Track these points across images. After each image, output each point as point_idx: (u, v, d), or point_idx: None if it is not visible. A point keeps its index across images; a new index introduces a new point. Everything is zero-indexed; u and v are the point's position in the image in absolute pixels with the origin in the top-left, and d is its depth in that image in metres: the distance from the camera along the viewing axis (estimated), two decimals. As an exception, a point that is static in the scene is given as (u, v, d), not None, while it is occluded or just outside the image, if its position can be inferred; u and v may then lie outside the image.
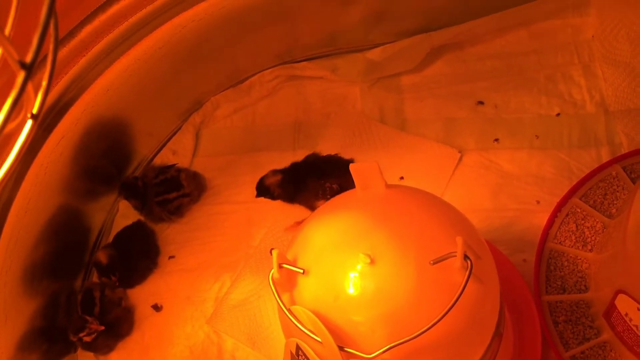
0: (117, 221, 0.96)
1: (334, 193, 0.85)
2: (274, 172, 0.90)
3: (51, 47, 0.26)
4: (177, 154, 1.01)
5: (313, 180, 0.88)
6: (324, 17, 0.98)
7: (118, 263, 0.89)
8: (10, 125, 0.23)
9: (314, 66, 1.03)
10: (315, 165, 0.90)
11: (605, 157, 0.87)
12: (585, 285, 0.77)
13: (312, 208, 0.88)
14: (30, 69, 0.22)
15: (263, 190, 0.90)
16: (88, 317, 0.83)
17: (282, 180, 0.88)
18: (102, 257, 0.89)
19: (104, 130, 0.90)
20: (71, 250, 0.92)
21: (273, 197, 0.90)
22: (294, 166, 0.91)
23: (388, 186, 0.61)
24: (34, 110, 0.25)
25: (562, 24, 0.98)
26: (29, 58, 0.23)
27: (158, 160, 1.00)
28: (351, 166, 0.59)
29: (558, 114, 0.93)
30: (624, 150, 0.86)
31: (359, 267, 0.55)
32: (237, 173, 0.98)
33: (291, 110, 1.03)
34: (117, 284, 0.88)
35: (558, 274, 0.79)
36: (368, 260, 0.54)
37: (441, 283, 0.54)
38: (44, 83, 0.25)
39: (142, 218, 0.94)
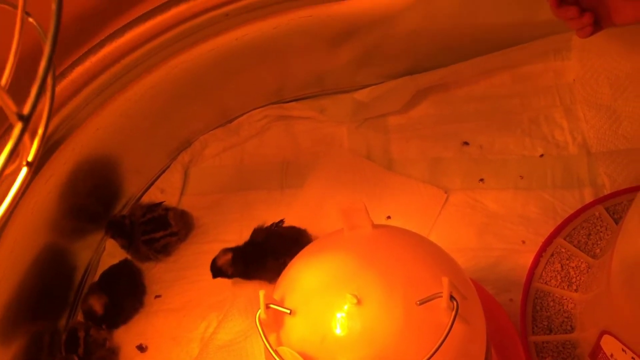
0: (104, 260, 0.95)
1: None
2: (224, 251, 0.88)
3: (48, 98, 0.27)
4: (165, 192, 1.01)
5: (271, 260, 0.86)
6: (312, 59, 1.00)
7: (111, 311, 0.88)
8: (6, 172, 0.23)
9: (302, 106, 1.05)
10: (271, 243, 0.88)
11: (589, 198, 0.88)
12: (571, 326, 0.78)
13: (270, 283, 0.88)
14: (28, 121, 0.23)
15: (216, 271, 0.88)
16: (72, 357, 0.82)
17: (233, 259, 0.87)
18: (96, 305, 0.87)
19: (93, 169, 0.90)
20: (56, 289, 0.91)
21: (228, 276, 0.88)
22: (249, 244, 0.89)
23: (375, 226, 0.62)
24: (29, 158, 0.26)
25: (544, 67, 1.01)
26: (26, 110, 0.23)
27: (146, 199, 1.00)
28: (340, 207, 0.60)
29: (541, 155, 0.95)
30: (607, 191, 0.88)
31: (346, 307, 0.55)
32: (225, 212, 0.98)
33: (280, 150, 1.04)
34: (105, 327, 0.87)
35: (544, 314, 0.79)
36: (355, 301, 0.54)
37: (428, 324, 0.54)
38: (40, 131, 0.26)
39: (128, 257, 0.94)
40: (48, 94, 0.27)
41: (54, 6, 0.23)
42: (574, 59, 0.99)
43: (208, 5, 0.86)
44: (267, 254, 0.87)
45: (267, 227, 0.91)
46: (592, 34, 0.73)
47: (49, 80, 0.26)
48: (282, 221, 0.91)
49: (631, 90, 0.97)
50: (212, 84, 0.99)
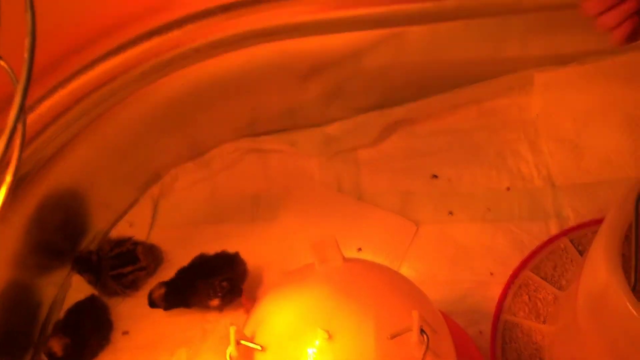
0: (70, 296, 0.93)
1: (225, 291, 0.85)
2: (160, 284, 0.88)
3: (17, 147, 0.26)
4: (135, 226, 1.00)
5: (202, 281, 0.87)
6: (283, 93, 1.02)
7: (73, 352, 0.85)
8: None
9: (273, 140, 1.06)
10: (200, 267, 0.89)
11: (554, 230, 0.90)
12: (540, 358, 0.78)
13: (208, 308, 0.88)
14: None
15: (152, 303, 0.88)
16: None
17: (166, 293, 0.87)
18: (56, 346, 0.84)
19: (60, 203, 0.89)
20: (20, 327, 0.89)
21: (165, 308, 0.88)
22: (180, 272, 0.89)
23: (346, 260, 0.62)
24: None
25: (509, 102, 1.03)
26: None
27: (114, 233, 0.99)
28: (310, 242, 0.60)
29: (508, 188, 0.97)
30: (571, 223, 0.90)
31: (317, 342, 0.55)
32: (195, 245, 0.97)
33: (251, 182, 1.04)
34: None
35: (514, 345, 0.80)
36: (326, 336, 0.54)
37: (399, 358, 0.54)
38: (8, 179, 0.25)
39: (95, 292, 0.92)
40: (17, 146, 0.27)
41: (26, 55, 0.23)
42: (536, 95, 1.02)
43: (178, 40, 0.87)
44: (195, 277, 0.88)
45: (201, 254, 0.91)
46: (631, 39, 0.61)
47: (19, 128, 0.26)
48: (223, 251, 0.92)
49: (593, 124, 1.00)
50: (183, 118, 0.99)
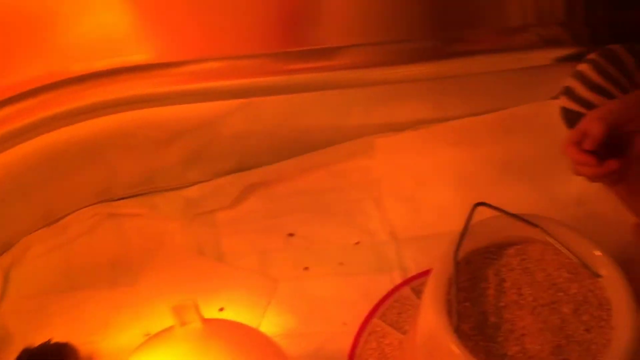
0: None
1: None
2: None
3: None
4: (-17, 299, 0.95)
5: None
6: (141, 159, 1.04)
7: None
8: None
9: (132, 204, 1.07)
10: None
11: (398, 280, 0.99)
12: (389, 399, 0.85)
13: None
14: None
15: None
16: None
17: None
18: None
19: None
20: None
21: None
22: None
23: (205, 321, 0.65)
24: None
25: (355, 165, 1.13)
26: None
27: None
28: (170, 306, 0.63)
29: (357, 243, 1.05)
30: (412, 272, 0.99)
31: (177, 403, 0.57)
32: (50, 314, 0.95)
33: (109, 248, 1.03)
34: None
35: (366, 390, 0.86)
36: (186, 396, 0.57)
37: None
38: None
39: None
40: None
41: None
42: (378, 158, 1.13)
43: (28, 109, 0.87)
44: None
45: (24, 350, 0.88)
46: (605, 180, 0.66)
47: None
48: (49, 341, 0.89)
49: (430, 183, 1.12)
50: (34, 185, 0.97)
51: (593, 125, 0.65)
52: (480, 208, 0.72)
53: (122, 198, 1.08)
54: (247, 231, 1.06)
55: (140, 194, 1.08)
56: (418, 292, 0.95)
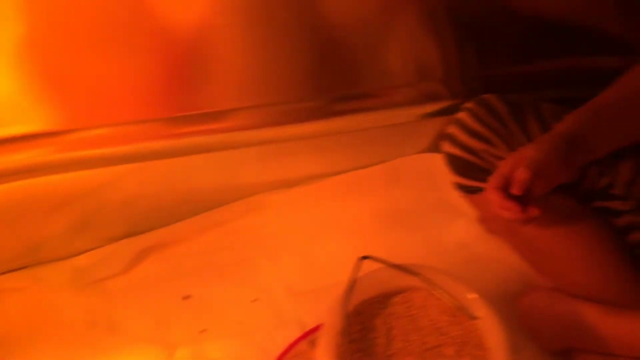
0: None
1: None
2: None
3: None
4: None
5: None
6: (25, 230, 1.00)
7: None
8: None
9: (15, 278, 1.02)
10: None
11: (297, 334, 1.00)
12: None
13: None
14: None
15: None
16: None
17: None
18: None
19: None
20: None
21: None
22: None
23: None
24: None
25: (248, 223, 1.14)
26: None
27: None
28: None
29: (255, 300, 1.06)
30: (310, 326, 1.01)
31: None
32: None
33: (-10, 326, 0.98)
34: None
35: None
36: None
37: None
38: None
39: None
40: None
41: None
42: (271, 215, 1.15)
43: None
44: None
45: None
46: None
47: None
48: None
49: (322, 236, 1.14)
50: None
51: (521, 172, 0.70)
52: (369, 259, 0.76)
53: (4, 273, 1.02)
54: (141, 297, 1.04)
55: (24, 267, 1.04)
56: (315, 346, 0.96)
